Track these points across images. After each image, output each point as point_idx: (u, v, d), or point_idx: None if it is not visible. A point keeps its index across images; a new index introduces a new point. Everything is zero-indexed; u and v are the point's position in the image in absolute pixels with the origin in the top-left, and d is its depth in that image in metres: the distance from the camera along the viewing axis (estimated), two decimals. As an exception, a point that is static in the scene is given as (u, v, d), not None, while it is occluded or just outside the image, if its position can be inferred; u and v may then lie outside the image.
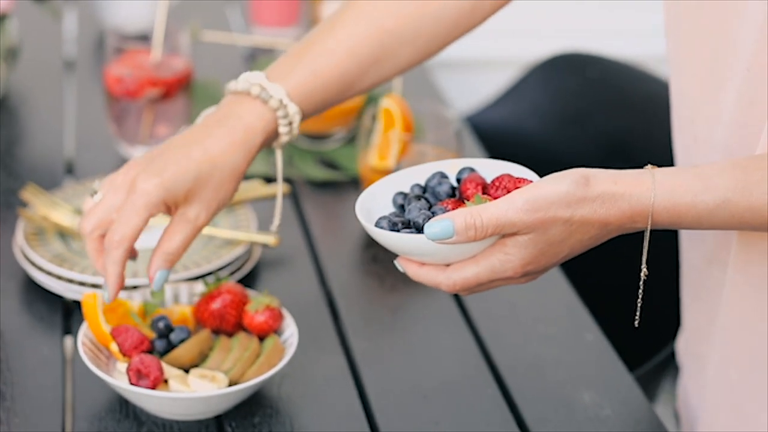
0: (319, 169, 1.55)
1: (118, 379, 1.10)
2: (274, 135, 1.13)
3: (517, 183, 0.99)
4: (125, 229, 1.07)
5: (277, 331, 1.15)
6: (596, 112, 1.77)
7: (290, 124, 1.13)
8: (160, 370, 1.07)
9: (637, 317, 1.01)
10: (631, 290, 1.64)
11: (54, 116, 1.67)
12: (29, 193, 1.34)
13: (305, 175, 1.53)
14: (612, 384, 1.19)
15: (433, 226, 0.94)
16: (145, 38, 1.58)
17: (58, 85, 1.77)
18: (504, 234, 0.95)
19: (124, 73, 1.52)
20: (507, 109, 1.80)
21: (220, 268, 1.28)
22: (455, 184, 1.04)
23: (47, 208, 1.32)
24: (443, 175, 1.04)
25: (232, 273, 1.29)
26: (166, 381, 1.09)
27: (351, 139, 1.62)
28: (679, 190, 0.94)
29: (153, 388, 1.07)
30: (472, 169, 1.03)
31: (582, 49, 1.82)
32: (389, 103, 1.41)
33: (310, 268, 1.36)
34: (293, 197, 1.49)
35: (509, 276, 0.97)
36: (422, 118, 1.47)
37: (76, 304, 1.26)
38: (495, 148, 1.70)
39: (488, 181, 1.02)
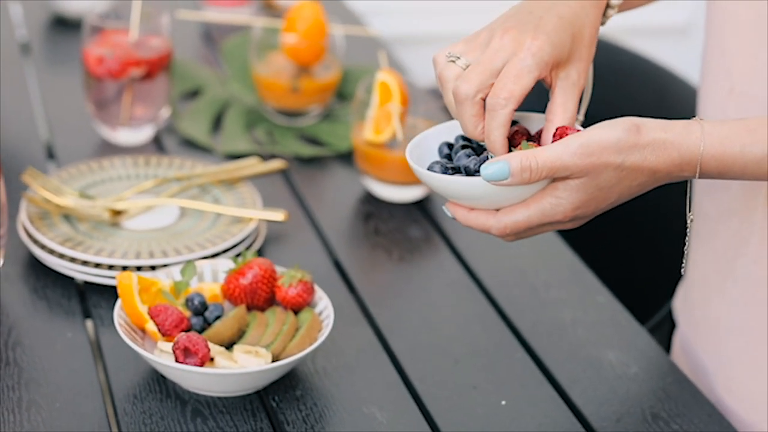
0: (304, 145, 1.55)
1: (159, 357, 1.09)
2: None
3: (562, 133, 1.02)
4: (514, 87, 0.98)
5: (309, 304, 1.15)
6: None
7: None
8: (207, 347, 1.07)
9: (683, 264, 1.05)
10: (620, 254, 1.69)
11: (21, 101, 1.64)
12: (29, 176, 1.31)
13: (292, 152, 1.53)
14: (633, 342, 1.22)
15: (489, 168, 0.96)
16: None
17: (18, 69, 1.73)
18: (555, 178, 0.98)
19: (106, 53, 1.49)
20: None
21: (234, 245, 1.28)
22: None
23: (51, 190, 1.30)
24: None
25: (238, 254, 1.29)
26: (211, 358, 1.08)
27: (327, 116, 1.62)
28: (727, 141, 0.98)
29: (201, 365, 1.06)
30: (515, 121, 1.06)
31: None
32: (386, 77, 1.41)
33: (317, 243, 1.36)
34: (284, 174, 1.49)
35: (558, 219, 1.00)
36: (412, 92, 1.48)
37: (90, 287, 1.24)
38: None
39: (532, 132, 1.05)
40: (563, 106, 1.01)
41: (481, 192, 0.99)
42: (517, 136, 1.04)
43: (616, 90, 1.73)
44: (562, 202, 0.99)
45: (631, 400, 1.14)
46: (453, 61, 1.02)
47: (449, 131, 1.08)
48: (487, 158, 1.01)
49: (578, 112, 1.08)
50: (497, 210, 1.01)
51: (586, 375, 1.17)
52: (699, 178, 0.99)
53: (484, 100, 1.00)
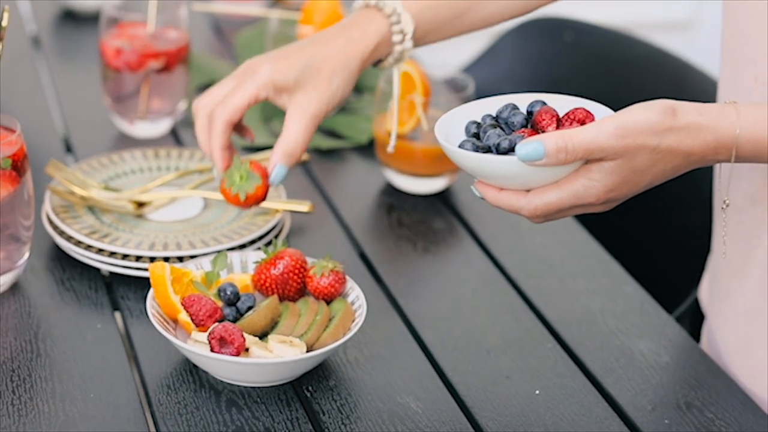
0: (322, 138, 1.55)
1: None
2: (389, 44, 1.16)
3: (591, 116, 1.01)
4: (230, 101, 1.12)
5: (341, 294, 1.15)
6: (573, 78, 1.80)
7: (403, 33, 1.16)
8: (243, 337, 1.06)
9: (724, 249, 1.04)
10: (641, 244, 1.68)
11: (36, 95, 1.63)
12: (53, 169, 1.30)
13: (310, 145, 1.52)
14: (663, 332, 1.22)
15: (524, 147, 0.96)
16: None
17: (31, 63, 1.72)
18: (589, 160, 0.97)
19: (124, 45, 1.48)
20: (481, 75, 1.81)
21: (261, 236, 1.27)
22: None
23: (75, 183, 1.29)
24: (515, 107, 1.06)
25: (269, 243, 1.28)
26: (246, 348, 1.08)
27: (344, 108, 1.62)
28: (762, 124, 0.98)
29: (236, 355, 1.06)
30: (543, 102, 1.05)
31: (559, 14, 1.84)
32: (408, 67, 1.41)
33: (341, 235, 1.35)
34: (304, 167, 1.49)
35: (591, 202, 0.99)
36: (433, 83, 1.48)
37: (116, 278, 1.23)
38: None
39: (560, 114, 1.05)
40: (286, 128, 1.13)
41: (514, 171, 0.98)
42: (546, 118, 1.03)
43: (632, 81, 1.73)
44: (596, 184, 0.98)
45: (664, 389, 1.14)
46: None
47: (476, 110, 1.08)
48: (518, 137, 1.01)
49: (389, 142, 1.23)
50: (527, 191, 1.00)
51: (618, 364, 1.17)
52: (734, 162, 0.99)
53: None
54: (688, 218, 1.59)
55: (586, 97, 1.07)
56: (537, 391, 1.12)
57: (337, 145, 1.52)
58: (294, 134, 1.12)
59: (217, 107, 1.13)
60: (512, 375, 1.14)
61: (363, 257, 1.32)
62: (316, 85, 1.13)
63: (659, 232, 1.65)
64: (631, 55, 1.74)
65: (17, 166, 1.15)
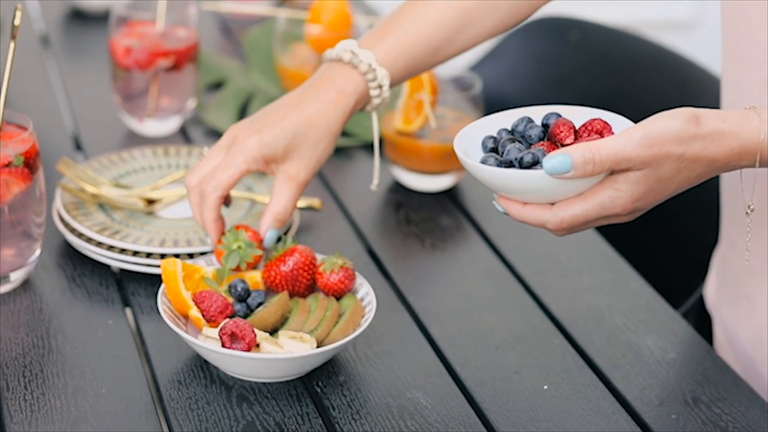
0: (330, 136, 1.55)
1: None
2: (367, 98, 1.18)
3: (608, 126, 1.01)
4: (221, 177, 1.14)
5: (350, 290, 1.16)
6: (578, 76, 1.80)
7: (380, 87, 1.18)
8: (254, 333, 1.07)
9: (747, 256, 1.04)
10: (648, 243, 1.69)
11: (45, 94, 1.64)
12: (63, 166, 1.31)
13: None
14: (670, 328, 1.22)
15: (551, 160, 0.95)
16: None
17: (40, 62, 1.73)
18: (614, 171, 0.97)
19: (133, 43, 1.49)
20: (486, 74, 1.82)
21: (270, 233, 1.28)
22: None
23: (86, 180, 1.30)
24: (530, 120, 1.05)
25: (278, 239, 1.29)
26: (257, 344, 1.09)
27: (351, 107, 1.63)
28: None
29: (248, 350, 1.07)
30: (558, 114, 1.05)
31: (564, 13, 1.85)
32: (416, 66, 1.41)
33: (349, 232, 1.36)
34: (312, 164, 1.49)
35: (617, 213, 0.99)
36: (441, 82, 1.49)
37: (127, 275, 1.24)
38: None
39: (577, 126, 1.04)
40: (276, 196, 1.15)
41: (539, 185, 0.97)
42: (564, 130, 1.03)
43: (637, 80, 1.73)
44: (622, 195, 0.98)
45: (671, 384, 1.15)
46: (199, 158, 1.22)
47: (490, 124, 1.07)
48: (539, 150, 1.00)
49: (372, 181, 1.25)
50: (552, 204, 1.00)
51: (626, 360, 1.17)
52: (758, 167, 0.99)
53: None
54: (693, 216, 1.60)
55: (595, 105, 1.07)
56: (545, 387, 1.13)
57: (344, 144, 1.53)
58: (284, 202, 1.16)
59: (208, 183, 1.15)
60: (521, 371, 1.15)
61: (371, 254, 1.33)
62: (302, 154, 1.16)
63: (663, 230, 1.66)
64: (635, 54, 1.75)
65: (29, 163, 1.16)
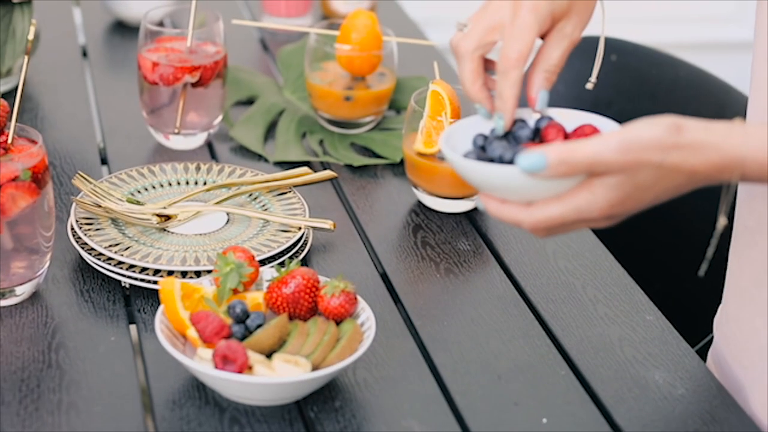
0: (355, 155, 1.55)
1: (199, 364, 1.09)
2: None
3: (598, 132, 1.01)
4: (521, 46, 1.05)
5: (352, 315, 1.15)
6: (617, 98, 1.78)
7: None
8: (246, 355, 1.06)
9: (706, 267, 1.03)
10: (670, 273, 1.66)
11: (81, 106, 1.65)
12: (78, 181, 1.32)
13: (344, 161, 1.52)
14: (681, 363, 1.20)
15: (525, 158, 0.95)
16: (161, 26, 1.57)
17: (80, 74, 1.75)
18: (592, 174, 0.96)
19: (160, 58, 1.50)
20: (523, 94, 1.80)
21: (279, 252, 1.27)
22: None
23: (100, 195, 1.30)
24: (522, 121, 1.06)
25: (282, 262, 1.28)
26: (250, 367, 1.08)
27: (380, 126, 1.62)
28: None
29: (239, 373, 1.06)
30: (550, 118, 1.06)
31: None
32: (437, 87, 1.40)
33: (363, 253, 1.35)
34: (334, 183, 1.49)
35: (594, 217, 0.98)
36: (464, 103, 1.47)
37: (136, 291, 1.24)
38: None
39: (568, 130, 1.04)
40: (547, 52, 1.08)
41: (515, 183, 0.98)
42: (552, 132, 1.03)
43: (673, 103, 1.70)
44: (598, 199, 0.97)
45: (676, 422, 1.12)
46: (461, 30, 1.08)
47: (484, 123, 1.08)
48: (523, 150, 1.00)
49: (591, 74, 1.16)
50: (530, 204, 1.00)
51: (631, 395, 1.15)
52: (740, 182, 0.97)
53: (483, 57, 1.07)
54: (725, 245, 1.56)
55: (624, 121, 1.06)
56: (544, 420, 1.11)
57: (370, 162, 1.52)
58: (555, 59, 1.08)
59: (508, 50, 1.05)
60: (521, 401, 1.13)
61: (384, 277, 1.32)
62: (579, 10, 1.09)
63: (691, 257, 1.63)
64: (674, 76, 1.72)
65: (37, 177, 1.17)
